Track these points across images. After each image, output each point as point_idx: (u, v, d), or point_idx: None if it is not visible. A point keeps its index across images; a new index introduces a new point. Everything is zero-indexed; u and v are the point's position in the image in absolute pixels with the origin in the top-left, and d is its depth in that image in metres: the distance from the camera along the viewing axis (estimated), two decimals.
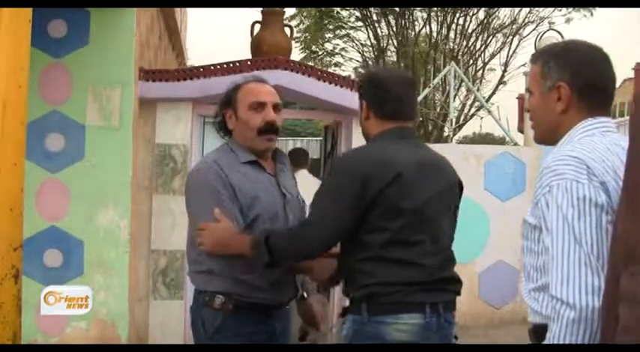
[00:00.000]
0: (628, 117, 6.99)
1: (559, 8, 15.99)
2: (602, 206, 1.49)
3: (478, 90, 13.96)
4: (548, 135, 1.76)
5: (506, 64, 16.99)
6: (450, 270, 2.22)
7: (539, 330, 1.59)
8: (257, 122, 2.37)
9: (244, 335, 2.28)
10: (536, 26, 15.97)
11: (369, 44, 17.43)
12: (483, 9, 15.63)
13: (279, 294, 2.37)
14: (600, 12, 15.87)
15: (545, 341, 1.51)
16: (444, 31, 16.14)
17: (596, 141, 1.62)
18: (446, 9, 15.60)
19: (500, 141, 17.32)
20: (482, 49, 16.60)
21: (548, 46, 1.83)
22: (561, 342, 1.46)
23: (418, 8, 15.87)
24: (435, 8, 15.62)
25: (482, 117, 16.94)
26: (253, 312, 2.30)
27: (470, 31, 16.28)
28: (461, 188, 2.37)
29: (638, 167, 1.32)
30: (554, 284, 1.49)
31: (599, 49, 1.76)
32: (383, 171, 2.09)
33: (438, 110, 13.67)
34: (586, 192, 1.50)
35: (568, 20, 16.34)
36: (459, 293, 2.25)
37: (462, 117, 15.43)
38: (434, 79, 9.62)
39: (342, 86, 5.70)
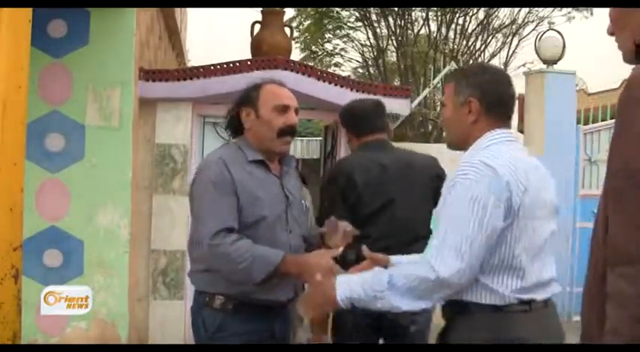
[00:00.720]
0: None
1: (559, 8, 15.99)
2: (497, 204, 1.79)
3: None
4: (460, 142, 2.04)
5: (506, 64, 16.98)
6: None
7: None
8: (279, 123, 2.39)
9: (244, 335, 2.28)
10: (536, 26, 15.97)
11: (369, 44, 17.42)
12: (483, 9, 15.62)
13: (279, 295, 2.37)
14: (601, 12, 15.86)
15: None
16: (444, 31, 16.14)
17: (503, 149, 1.92)
18: (445, 9, 15.59)
19: None
20: (482, 49, 16.60)
21: (462, 68, 2.16)
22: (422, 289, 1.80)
23: (418, 8, 15.87)
24: (435, 8, 15.62)
25: None
26: (253, 312, 2.31)
27: (469, 31, 16.28)
28: (440, 179, 2.84)
29: (614, 159, 1.29)
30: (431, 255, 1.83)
31: (504, 73, 2.19)
32: (361, 171, 2.95)
33: (438, 110, 13.66)
34: (479, 193, 1.79)
35: (569, 19, 16.34)
36: None
37: None
38: (434, 79, 9.63)
39: (342, 86, 5.70)
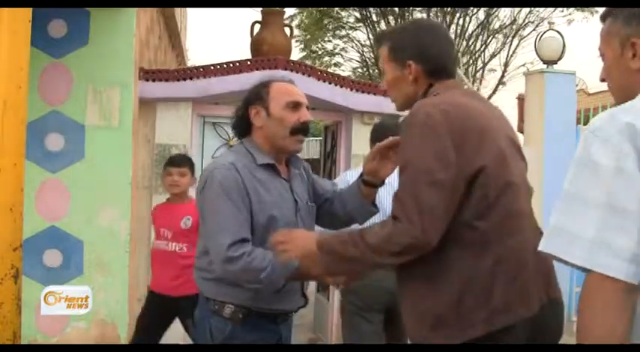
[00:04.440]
0: None
1: (560, 9, 15.99)
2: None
3: (478, 90, 13.95)
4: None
5: (506, 65, 16.99)
6: None
7: None
8: (292, 120, 2.33)
9: (252, 342, 2.26)
10: (536, 26, 15.97)
11: (369, 44, 17.43)
12: (483, 9, 15.62)
13: (291, 304, 2.35)
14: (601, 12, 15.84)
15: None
16: None
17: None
18: (445, 9, 15.59)
19: None
20: (482, 49, 16.60)
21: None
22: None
23: (418, 8, 15.87)
24: (435, 8, 15.62)
25: None
26: (262, 321, 2.29)
27: (470, 31, 16.28)
28: None
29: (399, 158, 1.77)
30: None
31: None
32: None
33: None
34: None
35: (569, 22, 16.35)
36: None
37: None
38: None
39: (342, 86, 5.70)
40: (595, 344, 1.40)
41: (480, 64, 16.90)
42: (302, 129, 2.36)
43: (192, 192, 3.80)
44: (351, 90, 5.70)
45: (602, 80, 1.63)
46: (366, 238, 1.75)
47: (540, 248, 1.38)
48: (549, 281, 1.80)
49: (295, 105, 2.36)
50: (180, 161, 4.03)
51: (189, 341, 5.26)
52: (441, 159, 1.67)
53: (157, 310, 4.07)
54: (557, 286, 1.85)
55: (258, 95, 2.38)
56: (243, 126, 2.41)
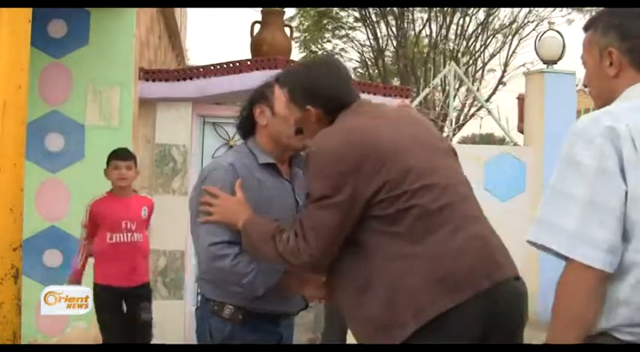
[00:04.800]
0: None
1: (560, 8, 15.99)
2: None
3: (478, 90, 13.97)
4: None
5: (505, 65, 16.99)
6: None
7: None
8: None
9: (251, 343, 2.26)
10: (536, 26, 15.97)
11: (369, 44, 17.43)
12: (483, 9, 15.62)
13: (290, 306, 2.35)
14: None
15: None
16: (444, 31, 16.14)
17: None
18: (445, 9, 15.59)
19: (500, 142, 17.32)
20: (481, 49, 16.60)
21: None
22: None
23: (417, 9, 15.86)
24: (435, 9, 15.61)
25: (482, 118, 16.94)
26: (262, 322, 2.28)
27: (469, 31, 16.28)
28: None
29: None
30: None
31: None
32: None
33: (438, 110, 13.67)
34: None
35: (569, 22, 16.34)
36: None
37: (462, 118, 15.42)
38: (433, 79, 9.62)
39: None
40: (595, 344, 1.42)
41: (479, 64, 16.89)
42: None
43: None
44: None
45: (585, 86, 1.77)
46: (276, 243, 1.94)
47: (528, 238, 1.52)
48: (495, 265, 1.83)
49: None
50: (126, 155, 4.06)
51: (189, 341, 5.27)
52: (335, 184, 1.83)
53: (117, 303, 4.03)
54: (509, 267, 1.87)
55: (262, 94, 2.37)
56: (247, 126, 2.40)
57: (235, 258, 2.14)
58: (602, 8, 1.79)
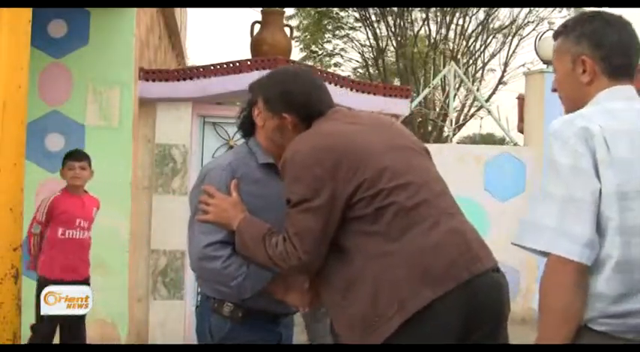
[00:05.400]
0: None
1: (559, 9, 15.98)
2: None
3: (478, 90, 13.96)
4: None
5: (505, 65, 16.99)
6: None
7: None
8: None
9: (251, 342, 2.26)
10: (536, 26, 15.96)
11: (369, 44, 17.43)
12: (483, 9, 15.62)
13: (291, 306, 2.35)
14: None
15: None
16: (444, 31, 16.14)
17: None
18: (445, 9, 15.59)
19: (500, 142, 17.31)
20: (481, 49, 16.60)
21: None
22: None
23: (417, 8, 15.86)
24: (435, 8, 15.61)
25: (482, 118, 16.94)
26: (261, 320, 2.28)
27: (469, 31, 16.28)
28: None
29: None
30: None
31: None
32: None
33: (437, 110, 13.67)
34: None
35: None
36: None
37: (462, 118, 15.41)
38: (433, 79, 9.62)
39: (342, 86, 5.70)
40: (594, 345, 1.43)
41: (479, 64, 16.89)
42: None
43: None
44: (351, 90, 5.70)
45: (554, 90, 1.84)
46: (266, 247, 1.99)
47: (513, 241, 1.60)
48: (473, 257, 1.87)
49: None
50: (81, 156, 4.28)
51: (189, 341, 5.27)
52: (313, 188, 1.89)
53: None
54: (487, 259, 1.91)
55: None
56: (247, 126, 2.41)
57: (227, 260, 2.15)
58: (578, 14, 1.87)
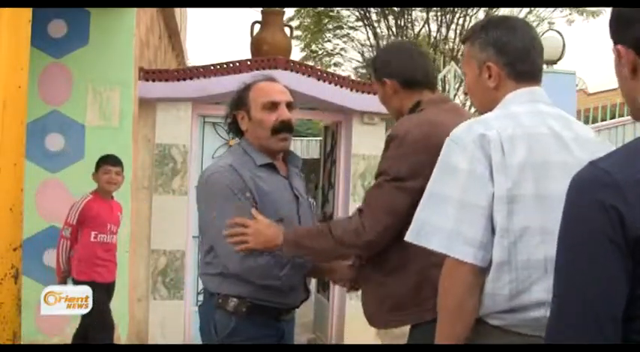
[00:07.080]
0: (628, 117, 6.98)
1: (560, 9, 15.98)
2: None
3: None
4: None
5: None
6: None
7: None
8: (271, 122, 2.32)
9: (256, 339, 2.27)
10: (536, 26, 15.95)
11: (369, 44, 17.42)
12: (483, 9, 15.61)
13: (293, 298, 2.37)
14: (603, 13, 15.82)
15: None
16: (444, 31, 16.14)
17: None
18: (445, 9, 15.59)
19: None
20: None
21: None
22: None
23: (417, 8, 15.86)
24: (435, 8, 15.61)
25: None
26: (265, 315, 2.29)
27: None
28: None
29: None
30: None
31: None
32: None
33: None
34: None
35: (570, 22, 16.33)
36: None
37: None
38: None
39: (342, 86, 5.70)
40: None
41: None
42: (282, 128, 2.34)
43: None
44: (351, 90, 5.70)
45: (465, 93, 1.89)
46: (333, 232, 2.04)
47: (406, 238, 1.68)
48: None
49: (272, 105, 2.34)
50: (117, 161, 4.34)
51: (189, 341, 5.27)
52: (413, 170, 1.95)
53: (103, 298, 4.21)
54: None
55: (240, 99, 2.41)
56: (236, 129, 2.46)
57: (271, 252, 2.22)
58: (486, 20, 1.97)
